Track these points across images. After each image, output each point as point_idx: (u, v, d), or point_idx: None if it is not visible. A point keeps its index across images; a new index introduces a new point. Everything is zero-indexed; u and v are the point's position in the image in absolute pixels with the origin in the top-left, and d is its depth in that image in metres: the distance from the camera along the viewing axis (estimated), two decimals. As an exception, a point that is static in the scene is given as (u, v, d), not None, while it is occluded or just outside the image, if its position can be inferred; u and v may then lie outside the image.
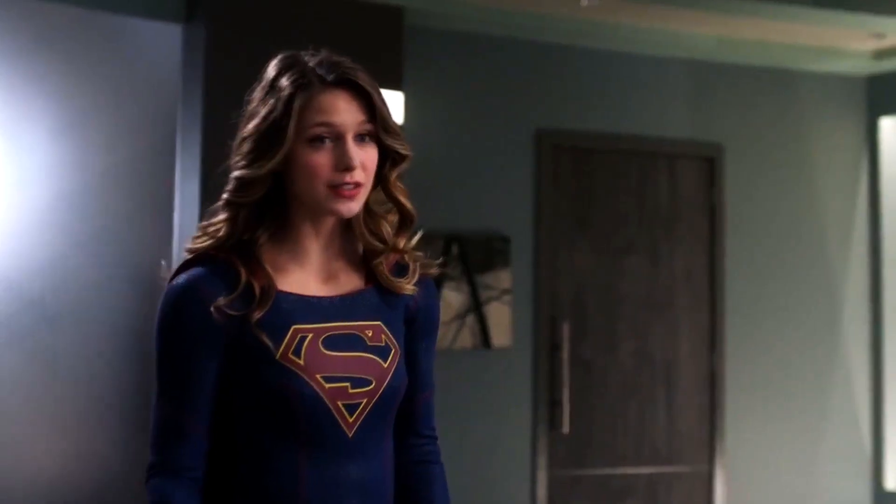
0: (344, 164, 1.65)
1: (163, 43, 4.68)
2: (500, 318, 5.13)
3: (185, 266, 1.69)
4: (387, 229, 1.77)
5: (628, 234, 5.51)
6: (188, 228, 4.20)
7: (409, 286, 1.77)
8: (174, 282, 1.67)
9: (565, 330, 5.28)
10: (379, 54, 4.53)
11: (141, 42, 4.78)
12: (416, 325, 1.82)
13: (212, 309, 1.63)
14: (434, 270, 1.84)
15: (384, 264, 1.76)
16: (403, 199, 1.78)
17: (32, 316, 4.54)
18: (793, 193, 5.87)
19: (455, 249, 5.05)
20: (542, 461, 5.21)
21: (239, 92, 1.76)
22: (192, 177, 4.34)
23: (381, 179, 1.75)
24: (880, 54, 5.68)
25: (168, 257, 1.49)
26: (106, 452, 4.61)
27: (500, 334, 5.13)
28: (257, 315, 1.64)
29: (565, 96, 5.42)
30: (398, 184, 1.77)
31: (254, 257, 1.68)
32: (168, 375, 1.66)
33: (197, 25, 4.43)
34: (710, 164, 5.69)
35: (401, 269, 1.79)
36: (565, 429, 5.23)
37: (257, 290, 1.65)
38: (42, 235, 4.57)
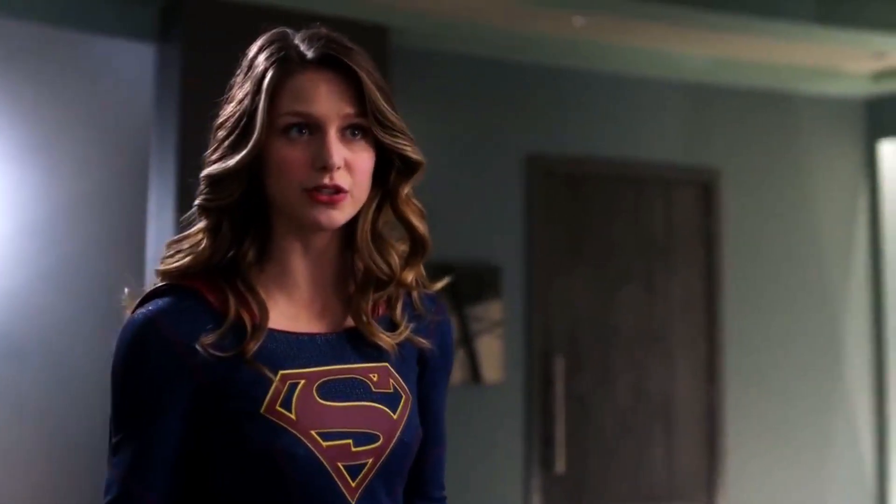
0: (321, 162, 1.33)
1: (134, 62, 4.55)
2: (491, 352, 4.92)
3: (151, 295, 1.39)
4: (394, 259, 1.45)
5: (623, 263, 5.32)
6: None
7: (389, 340, 1.43)
8: (133, 315, 1.37)
9: (559, 364, 5.08)
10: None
11: (110, 62, 4.64)
12: (430, 368, 1.51)
13: (197, 348, 1.32)
14: (436, 317, 1.53)
15: (392, 299, 1.46)
16: (416, 221, 1.44)
17: (-5, 352, 4.38)
18: (791, 219, 5.71)
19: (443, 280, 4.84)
20: (536, 502, 4.99)
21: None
22: (167, 203, 4.11)
23: (388, 194, 1.43)
24: (879, 76, 5.56)
25: (140, 287, 1.26)
26: (73, 494, 4.40)
27: (491, 369, 4.92)
28: (252, 348, 1.34)
29: (556, 120, 5.24)
30: (411, 201, 1.45)
31: (241, 281, 1.38)
32: (122, 429, 1.35)
33: (172, 44, 4.23)
34: (706, 190, 5.52)
35: (412, 313, 1.48)
36: (560, 468, 5.02)
37: (248, 325, 1.35)
38: (5, 266, 4.42)
